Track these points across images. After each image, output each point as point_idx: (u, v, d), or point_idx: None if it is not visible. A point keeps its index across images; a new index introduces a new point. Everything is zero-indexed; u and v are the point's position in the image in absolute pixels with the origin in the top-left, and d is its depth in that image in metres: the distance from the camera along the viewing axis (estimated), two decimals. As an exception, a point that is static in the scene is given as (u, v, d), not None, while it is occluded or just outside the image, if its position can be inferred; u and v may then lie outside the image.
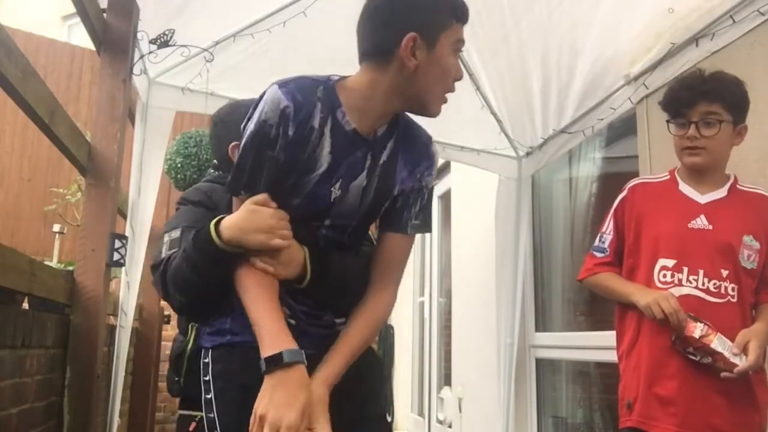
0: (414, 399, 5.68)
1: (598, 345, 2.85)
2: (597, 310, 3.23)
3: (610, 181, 3.20)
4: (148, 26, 2.51)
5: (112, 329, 2.74)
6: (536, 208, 3.73)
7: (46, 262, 2.81)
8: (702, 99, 1.80)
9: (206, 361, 1.36)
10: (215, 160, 1.82)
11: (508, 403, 3.48)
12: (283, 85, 1.28)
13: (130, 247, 2.50)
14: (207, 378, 1.34)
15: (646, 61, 2.58)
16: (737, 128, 1.84)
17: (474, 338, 4.17)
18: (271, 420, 1.17)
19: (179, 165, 3.43)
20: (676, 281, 1.80)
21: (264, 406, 1.18)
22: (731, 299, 1.77)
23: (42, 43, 6.40)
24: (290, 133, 1.26)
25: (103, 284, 2.20)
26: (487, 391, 3.70)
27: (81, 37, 6.30)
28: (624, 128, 2.94)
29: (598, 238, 2.00)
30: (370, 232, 1.50)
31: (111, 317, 2.74)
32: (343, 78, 1.34)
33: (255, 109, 1.29)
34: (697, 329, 1.70)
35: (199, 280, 1.33)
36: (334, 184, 1.31)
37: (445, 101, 1.34)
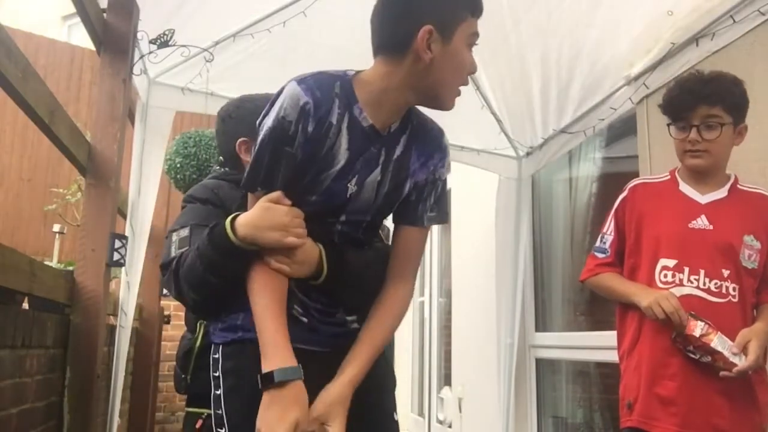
0: (414, 399, 5.69)
1: (598, 345, 2.86)
2: (597, 310, 3.24)
3: (610, 181, 3.20)
4: (148, 26, 2.51)
5: (112, 329, 2.74)
6: (536, 208, 3.73)
7: (46, 262, 2.81)
8: (702, 102, 1.80)
9: (216, 356, 1.35)
10: (221, 157, 1.81)
11: (508, 403, 3.48)
12: (301, 81, 1.27)
13: (130, 247, 2.50)
14: (217, 374, 1.33)
15: (646, 61, 2.58)
16: (738, 128, 1.84)
17: (474, 338, 4.17)
18: None
19: (178, 165, 3.43)
20: (677, 281, 1.80)
21: (258, 422, 1.20)
22: (732, 299, 1.77)
23: (42, 43, 6.40)
24: (309, 129, 1.25)
25: (103, 284, 2.20)
26: (487, 391, 3.70)
27: (81, 37, 6.30)
28: (624, 128, 2.94)
29: (599, 239, 2.00)
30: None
31: (111, 317, 2.74)
32: (359, 72, 1.33)
33: (273, 105, 1.28)
34: (697, 328, 1.70)
35: (213, 277, 1.32)
36: (350, 180, 1.31)
37: (458, 95, 1.34)
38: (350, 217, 1.35)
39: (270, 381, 1.20)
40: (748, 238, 1.80)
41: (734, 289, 1.77)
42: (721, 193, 1.87)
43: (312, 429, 1.23)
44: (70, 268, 2.56)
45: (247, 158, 1.50)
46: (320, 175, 1.30)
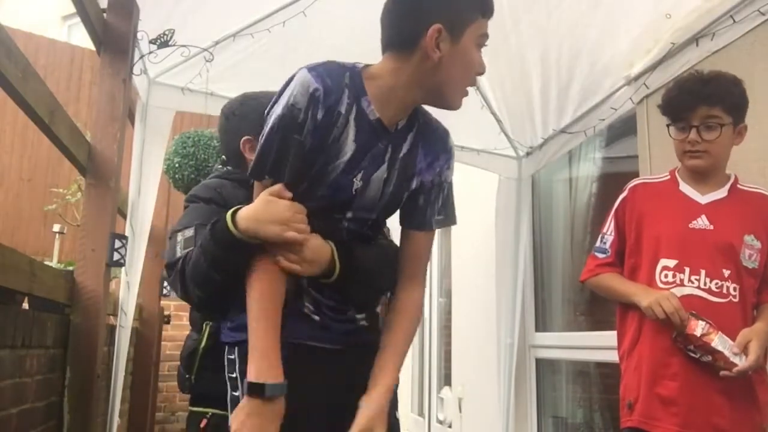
0: (414, 399, 5.68)
1: (598, 345, 2.85)
2: (597, 310, 3.24)
3: (610, 181, 3.20)
4: (148, 26, 2.51)
5: (112, 329, 2.74)
6: (536, 208, 3.73)
7: (46, 262, 2.81)
8: (702, 103, 1.80)
9: (232, 357, 1.34)
10: (224, 155, 1.80)
11: (508, 403, 3.48)
12: (312, 68, 1.27)
13: (130, 247, 2.50)
14: (234, 375, 1.32)
15: (646, 61, 2.58)
16: (737, 128, 1.84)
17: (474, 338, 4.17)
18: None
19: (177, 165, 3.43)
20: (678, 281, 1.80)
21: (236, 428, 1.21)
22: (733, 299, 1.77)
23: (42, 43, 6.39)
24: (319, 117, 1.25)
25: (103, 284, 2.20)
26: (487, 391, 3.70)
27: (81, 37, 6.30)
28: (624, 128, 2.94)
29: (599, 239, 2.00)
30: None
31: (111, 317, 2.74)
32: (368, 66, 1.33)
33: (282, 92, 1.28)
34: (698, 327, 1.71)
35: (217, 273, 1.32)
36: (356, 174, 1.31)
37: (466, 95, 1.34)
38: (357, 214, 1.35)
39: (260, 393, 1.20)
40: (749, 238, 1.80)
41: (735, 289, 1.77)
42: (721, 193, 1.87)
43: None
44: (70, 268, 2.56)
45: (251, 156, 1.51)
46: (327, 166, 1.29)
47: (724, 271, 1.78)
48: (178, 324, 5.21)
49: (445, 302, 5.06)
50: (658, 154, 2.47)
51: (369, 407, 1.27)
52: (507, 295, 3.55)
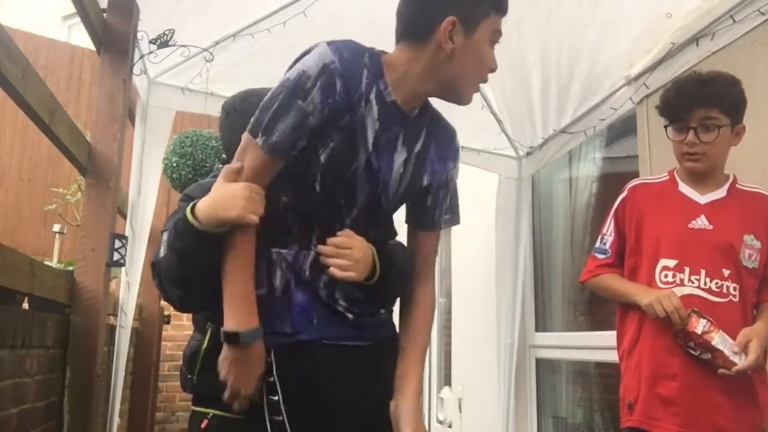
0: (414, 399, 5.68)
1: (598, 345, 2.85)
2: (597, 310, 3.24)
3: (610, 181, 3.20)
4: (148, 26, 2.51)
5: (112, 329, 2.74)
6: (536, 208, 3.73)
7: (46, 262, 2.81)
8: (700, 105, 1.80)
9: (269, 360, 1.32)
10: (225, 153, 1.79)
11: (508, 403, 3.48)
12: (331, 42, 1.28)
13: (130, 247, 2.50)
14: (271, 379, 1.30)
15: (646, 61, 2.58)
16: (735, 129, 1.84)
17: (474, 338, 4.17)
18: (231, 388, 1.27)
19: (175, 164, 3.43)
20: (678, 281, 1.80)
21: (224, 375, 1.27)
22: (733, 299, 1.77)
23: (42, 43, 6.39)
24: (338, 89, 1.24)
25: (103, 284, 2.20)
26: (487, 391, 3.70)
27: (81, 37, 6.30)
28: (624, 128, 2.94)
29: (599, 240, 2.00)
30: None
31: (111, 317, 2.74)
32: (384, 52, 1.34)
33: (297, 60, 1.29)
34: (699, 325, 1.71)
35: (188, 269, 1.31)
36: (378, 165, 1.32)
37: (477, 90, 1.36)
38: (374, 203, 1.35)
39: (236, 341, 1.24)
40: (748, 238, 1.80)
41: (735, 289, 1.78)
42: (720, 193, 1.87)
43: None
44: (70, 268, 2.56)
45: None
46: (357, 149, 1.29)
47: (724, 270, 1.78)
48: (178, 324, 5.21)
49: (445, 302, 5.06)
50: (658, 154, 2.47)
51: (407, 413, 1.31)
52: (507, 295, 3.55)
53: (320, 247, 1.31)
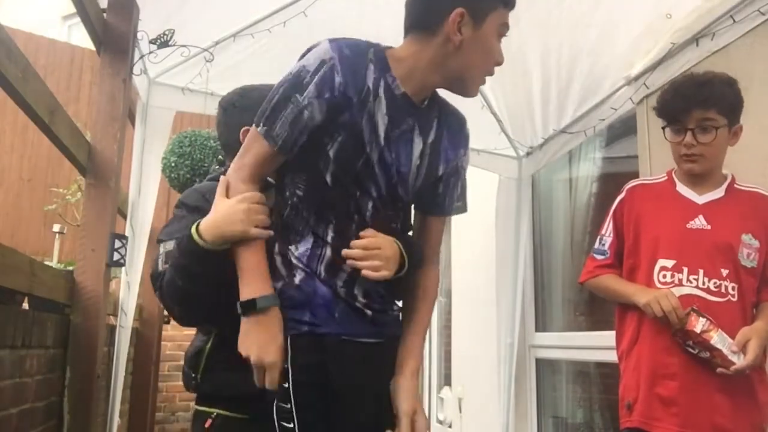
0: (414, 399, 5.68)
1: (598, 345, 2.85)
2: (597, 310, 3.23)
3: (610, 181, 3.20)
4: (148, 26, 2.51)
5: (112, 329, 2.74)
6: (536, 208, 3.73)
7: (46, 262, 2.81)
8: (697, 107, 1.80)
9: (285, 346, 1.31)
10: (223, 151, 1.78)
11: (508, 403, 3.48)
12: (333, 39, 1.30)
13: (130, 247, 2.50)
14: (285, 365, 1.29)
15: (646, 61, 2.58)
16: (733, 129, 1.84)
17: (474, 338, 4.16)
18: (255, 360, 1.25)
19: (173, 164, 3.43)
20: (676, 281, 1.80)
21: (246, 348, 1.25)
22: (732, 298, 1.78)
23: (42, 43, 6.39)
24: (338, 83, 1.25)
25: (103, 284, 2.20)
26: (487, 391, 3.70)
27: (81, 37, 6.30)
28: (624, 128, 2.94)
29: (597, 241, 2.01)
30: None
31: (111, 317, 2.74)
32: (389, 47, 1.35)
33: (302, 57, 1.32)
34: (699, 324, 1.71)
35: (193, 287, 1.33)
36: (392, 157, 1.32)
37: (483, 83, 1.37)
38: (391, 195, 1.35)
39: (252, 308, 1.24)
40: (747, 237, 1.80)
41: (733, 288, 1.78)
42: (718, 193, 1.87)
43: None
44: (70, 268, 2.57)
45: None
46: (371, 143, 1.30)
47: (722, 270, 1.78)
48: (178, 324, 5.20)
49: (445, 302, 5.05)
50: (657, 154, 2.47)
51: (404, 391, 1.32)
52: (507, 295, 3.55)
53: (347, 252, 1.30)
